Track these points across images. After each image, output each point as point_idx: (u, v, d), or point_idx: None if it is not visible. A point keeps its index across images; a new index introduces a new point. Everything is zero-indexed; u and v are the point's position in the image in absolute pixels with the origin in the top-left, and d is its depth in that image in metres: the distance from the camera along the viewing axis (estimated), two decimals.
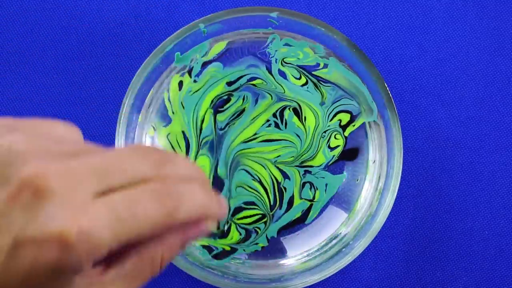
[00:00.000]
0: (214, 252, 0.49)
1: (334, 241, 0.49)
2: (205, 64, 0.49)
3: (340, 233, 0.49)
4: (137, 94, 0.48)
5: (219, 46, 0.49)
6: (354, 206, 0.50)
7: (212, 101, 0.49)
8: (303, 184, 0.49)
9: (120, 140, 0.47)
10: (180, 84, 0.49)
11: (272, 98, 0.49)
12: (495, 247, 0.52)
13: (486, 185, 0.52)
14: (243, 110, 0.49)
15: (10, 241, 0.27)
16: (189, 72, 0.49)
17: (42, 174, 0.27)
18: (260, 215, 0.49)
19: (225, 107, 0.49)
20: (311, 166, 0.49)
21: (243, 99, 0.49)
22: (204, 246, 0.49)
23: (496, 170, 0.52)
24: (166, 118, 0.49)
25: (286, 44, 0.49)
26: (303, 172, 0.49)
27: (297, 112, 0.49)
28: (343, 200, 0.49)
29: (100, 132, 0.52)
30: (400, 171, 0.47)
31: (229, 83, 0.49)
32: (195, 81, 0.49)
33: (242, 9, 0.48)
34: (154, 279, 0.52)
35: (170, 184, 0.30)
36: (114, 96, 0.53)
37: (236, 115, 0.49)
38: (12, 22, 0.53)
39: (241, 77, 0.49)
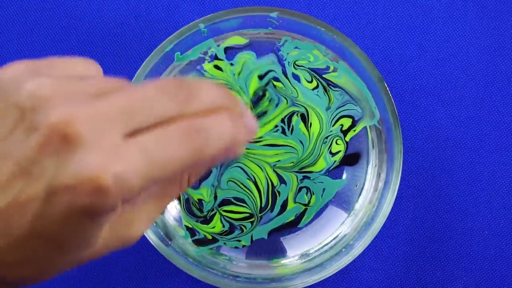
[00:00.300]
0: (196, 237, 0.49)
1: (334, 241, 0.49)
2: (227, 50, 0.49)
3: (340, 233, 0.49)
4: None
5: (237, 40, 0.49)
6: (354, 206, 0.50)
7: (253, 93, 0.49)
8: (300, 189, 0.49)
9: None
10: (217, 67, 0.49)
11: (287, 103, 0.49)
12: (495, 247, 0.52)
13: (486, 185, 0.52)
14: (266, 112, 0.49)
15: (44, 188, 0.27)
16: (217, 58, 0.49)
17: (71, 120, 0.27)
18: (248, 214, 0.49)
19: (259, 103, 0.49)
20: (311, 172, 0.49)
21: (270, 100, 0.49)
22: (188, 228, 0.49)
23: (496, 170, 0.52)
24: None
25: (296, 47, 0.49)
26: (301, 178, 0.49)
27: (304, 118, 0.49)
28: (343, 200, 0.49)
29: None
30: (400, 172, 0.47)
31: (260, 77, 0.49)
32: (232, 64, 0.49)
33: (242, 9, 0.48)
34: (154, 278, 0.52)
35: (197, 120, 0.30)
36: None
37: (260, 115, 0.49)
38: (12, 22, 0.53)
39: (269, 71, 0.49)
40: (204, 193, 0.49)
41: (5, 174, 0.28)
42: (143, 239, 0.49)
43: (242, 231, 0.49)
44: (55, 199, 0.28)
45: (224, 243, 0.49)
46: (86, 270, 0.51)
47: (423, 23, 0.53)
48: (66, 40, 0.53)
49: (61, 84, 0.29)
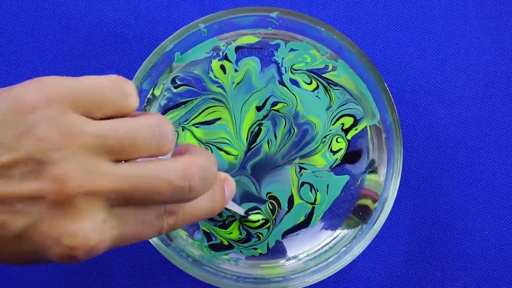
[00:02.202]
0: (212, 242, 0.49)
1: (334, 241, 0.49)
2: (238, 49, 0.49)
3: (340, 233, 0.49)
4: (137, 93, 0.48)
5: (249, 39, 0.49)
6: (353, 206, 0.50)
7: (248, 131, 0.49)
8: (302, 184, 0.49)
9: None
10: (223, 68, 0.49)
11: (285, 126, 0.49)
12: (495, 247, 0.52)
13: (486, 185, 0.52)
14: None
15: (22, 226, 0.30)
16: (226, 58, 0.49)
17: (68, 188, 0.29)
18: (264, 221, 0.49)
19: (255, 142, 0.49)
20: (309, 165, 0.49)
21: (267, 133, 0.49)
22: (204, 232, 0.49)
23: (496, 170, 0.52)
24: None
25: (292, 50, 0.49)
26: (299, 170, 0.49)
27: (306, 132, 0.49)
28: (343, 200, 0.49)
29: None
30: (400, 171, 0.47)
31: (259, 108, 0.49)
32: (236, 70, 0.49)
33: (242, 9, 0.48)
34: (154, 278, 0.52)
35: (166, 216, 0.34)
36: None
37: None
38: (12, 22, 0.53)
39: (267, 99, 0.49)
40: None
41: None
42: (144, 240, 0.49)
43: (259, 238, 0.49)
44: (27, 241, 0.30)
45: (240, 251, 0.49)
46: (87, 271, 0.51)
47: (423, 23, 0.53)
48: (66, 40, 0.53)
49: (78, 136, 0.30)
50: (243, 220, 0.48)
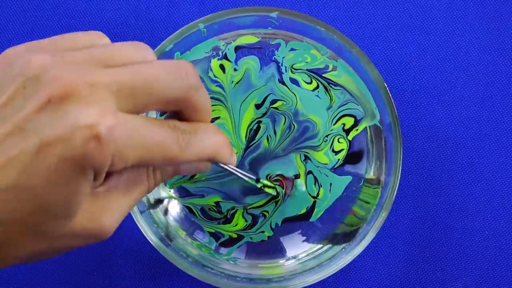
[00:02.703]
0: (221, 240, 0.49)
1: (326, 247, 0.49)
2: (237, 49, 0.49)
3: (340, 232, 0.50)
4: None
5: (249, 39, 0.49)
6: (353, 206, 0.50)
7: (246, 129, 0.49)
8: (308, 172, 0.49)
9: None
10: (222, 67, 0.49)
11: (285, 122, 0.49)
12: (495, 247, 0.52)
13: (486, 185, 0.52)
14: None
15: (37, 141, 0.28)
16: (225, 58, 0.49)
17: (69, 80, 0.29)
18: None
19: (255, 140, 0.49)
20: (313, 158, 0.49)
21: (266, 130, 0.49)
22: (211, 234, 0.49)
23: (496, 170, 0.52)
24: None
25: (292, 49, 0.49)
26: (304, 158, 0.49)
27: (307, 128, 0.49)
28: (344, 200, 0.49)
29: None
30: (399, 178, 0.47)
31: (258, 106, 0.49)
32: (235, 69, 0.49)
33: (242, 9, 0.48)
34: (154, 279, 0.52)
35: (189, 126, 0.33)
36: None
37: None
38: (12, 22, 0.53)
39: (266, 97, 0.49)
40: (216, 199, 0.49)
41: (0, 135, 0.29)
42: (143, 239, 0.49)
43: (265, 217, 0.49)
44: (46, 151, 0.28)
45: (250, 238, 0.49)
46: (87, 270, 0.51)
47: (423, 23, 0.53)
48: None
49: (63, 55, 0.30)
50: (257, 183, 0.48)
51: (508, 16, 0.53)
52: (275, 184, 0.48)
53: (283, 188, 0.49)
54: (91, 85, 0.29)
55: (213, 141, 0.35)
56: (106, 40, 0.33)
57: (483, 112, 0.53)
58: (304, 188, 0.49)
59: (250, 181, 0.45)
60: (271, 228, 0.49)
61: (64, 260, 0.51)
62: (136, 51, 0.32)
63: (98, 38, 0.33)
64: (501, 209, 0.52)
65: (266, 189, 0.48)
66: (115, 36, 0.53)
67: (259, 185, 0.47)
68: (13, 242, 0.30)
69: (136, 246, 0.51)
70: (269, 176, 0.49)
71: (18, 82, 0.29)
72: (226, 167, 0.39)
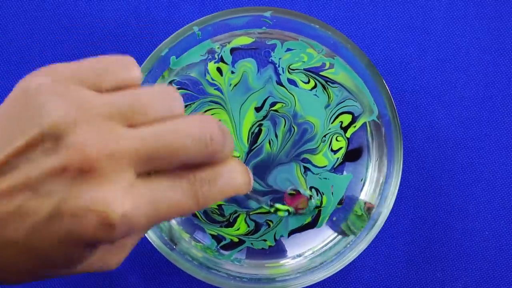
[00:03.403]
0: (223, 243, 0.49)
1: (331, 244, 0.49)
2: (233, 51, 0.49)
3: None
4: None
5: (244, 40, 0.49)
6: (353, 206, 0.50)
7: (248, 132, 0.49)
8: (310, 188, 0.49)
9: None
10: (219, 70, 0.49)
11: (285, 125, 0.49)
12: (495, 247, 0.52)
13: (486, 185, 0.52)
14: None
15: (51, 207, 0.28)
16: (222, 60, 0.49)
17: (90, 152, 0.28)
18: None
19: (257, 143, 0.49)
20: (312, 164, 0.49)
21: (267, 133, 0.49)
22: (213, 236, 0.49)
23: (496, 170, 0.52)
24: None
25: (288, 49, 0.49)
26: (304, 171, 0.49)
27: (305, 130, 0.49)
28: (347, 198, 0.50)
29: None
30: (401, 171, 0.47)
31: (257, 109, 0.49)
32: (232, 72, 0.49)
33: (236, 10, 0.48)
34: (154, 279, 0.52)
35: (206, 173, 0.32)
36: None
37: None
38: (12, 22, 0.53)
39: (266, 100, 0.49)
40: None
41: (7, 183, 0.28)
42: (143, 239, 0.49)
43: (269, 226, 0.49)
44: (58, 221, 0.28)
45: (251, 244, 0.49)
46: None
47: (423, 23, 0.53)
48: (66, 40, 0.53)
49: (87, 107, 0.29)
50: (271, 208, 0.48)
51: (508, 16, 0.53)
52: (288, 207, 0.48)
53: (295, 204, 0.49)
54: (111, 157, 0.29)
55: (234, 184, 0.34)
56: (135, 71, 0.32)
57: (483, 112, 0.53)
58: (314, 207, 0.49)
59: (264, 206, 0.46)
60: (275, 239, 0.49)
61: None
62: (163, 102, 0.31)
63: (127, 68, 0.32)
64: (501, 209, 0.52)
65: (279, 213, 0.48)
66: (115, 36, 0.53)
67: (272, 210, 0.48)
68: (13, 277, 0.31)
69: (136, 246, 0.51)
70: (286, 190, 0.49)
71: (36, 132, 0.28)
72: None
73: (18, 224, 0.29)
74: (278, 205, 0.47)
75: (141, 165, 0.30)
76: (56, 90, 0.29)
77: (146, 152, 0.29)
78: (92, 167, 0.28)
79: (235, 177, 0.34)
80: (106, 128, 0.29)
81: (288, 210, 0.48)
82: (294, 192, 0.49)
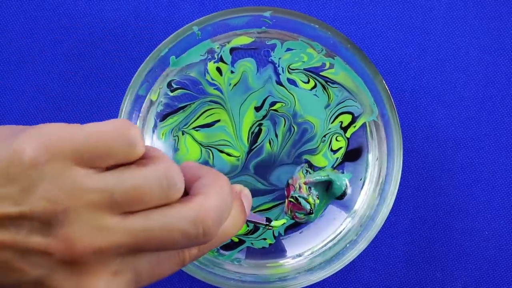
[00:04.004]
0: (223, 243, 0.49)
1: (330, 244, 0.49)
2: (232, 50, 0.49)
3: (340, 233, 0.49)
4: (134, 100, 0.48)
5: (243, 40, 0.49)
6: (353, 206, 0.50)
7: (248, 132, 0.49)
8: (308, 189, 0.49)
9: None
10: (219, 70, 0.49)
11: (285, 124, 0.49)
12: (495, 247, 0.52)
13: (486, 185, 0.52)
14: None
15: (37, 275, 0.29)
16: (221, 60, 0.49)
17: (76, 248, 0.29)
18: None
19: (257, 143, 0.49)
20: (313, 165, 0.49)
21: (267, 132, 0.49)
22: None
23: (496, 170, 0.52)
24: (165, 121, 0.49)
25: (288, 49, 0.49)
26: (305, 172, 0.49)
27: (305, 130, 0.49)
28: (343, 200, 0.49)
29: None
30: (400, 171, 0.47)
31: (257, 108, 0.49)
32: (232, 71, 0.49)
33: (236, 10, 0.48)
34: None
35: (187, 251, 0.33)
36: (115, 96, 0.53)
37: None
38: (12, 22, 0.53)
39: (265, 99, 0.49)
40: None
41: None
42: None
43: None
44: None
45: (252, 243, 0.49)
46: None
47: (423, 23, 0.53)
48: (66, 40, 0.53)
49: (82, 191, 0.29)
50: (267, 227, 0.48)
51: (508, 16, 0.53)
52: (284, 220, 0.48)
53: (294, 211, 0.49)
54: (97, 252, 0.29)
55: (225, 238, 0.34)
56: (138, 148, 0.30)
57: (483, 112, 0.53)
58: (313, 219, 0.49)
59: (261, 227, 0.46)
60: (274, 236, 0.49)
61: None
62: (161, 189, 0.30)
63: (131, 145, 0.30)
64: (501, 209, 0.52)
65: (274, 228, 0.48)
66: (115, 36, 0.53)
67: (268, 228, 0.48)
68: None
69: None
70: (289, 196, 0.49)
71: (26, 209, 0.28)
72: None
73: (1, 277, 0.29)
74: (274, 222, 0.47)
75: (129, 253, 0.30)
76: (51, 170, 0.29)
77: (135, 245, 0.29)
78: (77, 260, 0.29)
79: (226, 232, 0.34)
80: (95, 219, 0.29)
81: (284, 223, 0.48)
82: (293, 200, 0.48)
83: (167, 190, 0.30)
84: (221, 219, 0.31)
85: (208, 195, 0.31)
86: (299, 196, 0.48)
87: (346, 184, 0.49)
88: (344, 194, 0.49)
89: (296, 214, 0.48)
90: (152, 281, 0.32)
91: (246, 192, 0.39)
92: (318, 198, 0.48)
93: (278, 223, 0.47)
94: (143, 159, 0.31)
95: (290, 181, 0.49)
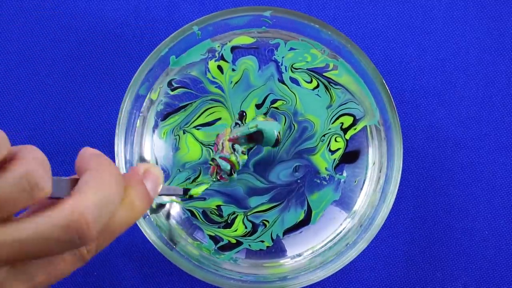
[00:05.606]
0: (220, 244, 0.49)
1: (330, 244, 0.49)
2: (233, 49, 0.49)
3: (340, 233, 0.49)
4: (135, 100, 0.48)
5: (244, 39, 0.49)
6: (353, 206, 0.50)
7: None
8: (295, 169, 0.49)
9: (119, 145, 0.47)
10: (220, 68, 0.49)
11: (285, 122, 0.49)
12: (495, 247, 0.52)
13: (486, 185, 0.52)
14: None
15: None
16: (222, 58, 0.49)
17: None
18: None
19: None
20: (310, 165, 0.49)
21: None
22: (210, 237, 0.49)
23: (496, 170, 0.52)
24: (166, 120, 0.49)
25: (291, 49, 0.49)
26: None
27: (305, 128, 0.49)
28: (343, 200, 0.49)
29: (100, 132, 0.52)
30: (400, 171, 0.47)
31: (258, 106, 0.49)
32: (233, 69, 0.49)
33: (236, 10, 0.48)
34: (154, 278, 0.52)
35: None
36: (115, 95, 0.53)
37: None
38: (12, 22, 0.53)
39: (266, 97, 0.49)
40: (218, 202, 0.49)
41: None
42: (143, 239, 0.49)
43: (265, 226, 0.49)
44: None
45: (249, 245, 0.49)
46: (87, 271, 0.51)
47: (423, 23, 0.53)
48: (66, 40, 0.53)
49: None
50: (187, 198, 0.47)
51: (508, 16, 0.53)
52: (204, 188, 0.47)
53: (219, 173, 0.48)
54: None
55: (127, 221, 0.33)
56: (42, 191, 0.29)
57: (483, 112, 0.53)
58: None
59: (179, 196, 0.45)
60: (272, 239, 0.49)
61: None
62: (24, 191, 0.28)
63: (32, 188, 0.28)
64: (501, 209, 0.52)
65: (198, 192, 0.47)
66: (115, 36, 0.53)
67: (187, 196, 0.47)
68: None
69: (136, 246, 0.51)
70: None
71: None
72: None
73: None
74: (192, 190, 0.46)
75: (7, 265, 0.29)
76: None
77: (12, 257, 0.28)
78: None
79: (121, 215, 0.32)
80: None
81: (206, 189, 0.48)
82: (212, 163, 0.48)
83: (30, 191, 0.28)
84: (103, 215, 0.29)
85: (83, 193, 0.29)
86: (219, 157, 0.47)
87: (278, 130, 0.47)
88: (278, 141, 0.47)
89: (222, 175, 0.47)
90: (53, 282, 0.30)
91: (153, 169, 0.37)
92: (245, 154, 0.48)
93: (198, 190, 0.46)
94: (6, 163, 0.28)
95: (215, 140, 0.48)
